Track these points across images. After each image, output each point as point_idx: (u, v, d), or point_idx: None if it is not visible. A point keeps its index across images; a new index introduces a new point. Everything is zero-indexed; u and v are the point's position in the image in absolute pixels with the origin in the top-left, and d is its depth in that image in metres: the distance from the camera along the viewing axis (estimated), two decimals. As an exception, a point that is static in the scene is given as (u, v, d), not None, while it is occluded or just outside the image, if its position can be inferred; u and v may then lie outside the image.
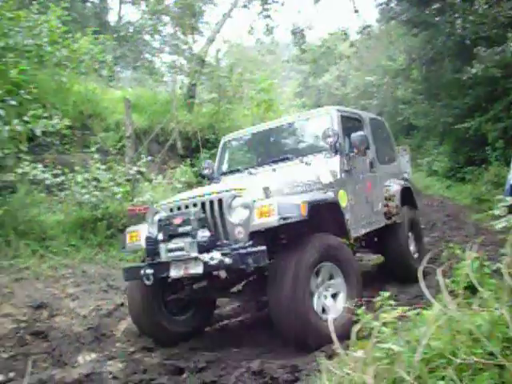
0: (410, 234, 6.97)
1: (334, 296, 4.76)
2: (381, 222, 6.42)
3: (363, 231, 5.89)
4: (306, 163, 5.56)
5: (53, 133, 8.19)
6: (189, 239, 4.42)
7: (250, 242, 4.28)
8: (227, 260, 4.14)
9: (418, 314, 2.61)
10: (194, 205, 4.68)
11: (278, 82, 19.36)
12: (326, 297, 4.68)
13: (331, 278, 4.75)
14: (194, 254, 4.32)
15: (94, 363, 4.92)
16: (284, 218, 4.19)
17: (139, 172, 8.76)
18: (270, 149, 6.54)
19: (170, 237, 4.58)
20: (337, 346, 2.42)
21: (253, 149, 6.97)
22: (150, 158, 9.70)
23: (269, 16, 16.29)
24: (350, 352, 2.43)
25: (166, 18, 16.52)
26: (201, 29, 17.31)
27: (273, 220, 4.18)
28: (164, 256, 4.56)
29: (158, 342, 5.26)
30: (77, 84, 10.48)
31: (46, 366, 4.96)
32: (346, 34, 20.01)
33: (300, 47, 19.44)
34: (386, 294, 2.72)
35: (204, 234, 4.40)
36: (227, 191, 4.54)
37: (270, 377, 3.70)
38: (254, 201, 4.33)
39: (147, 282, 4.68)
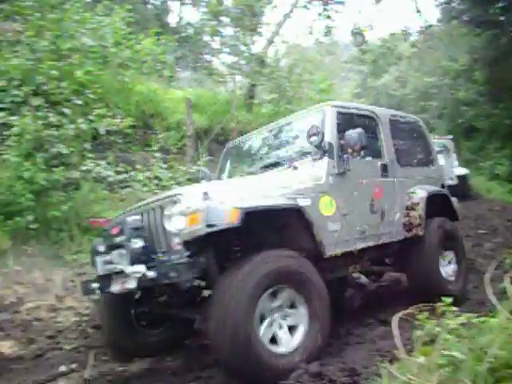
0: (442, 251, 5.93)
1: (292, 329, 4.03)
2: (397, 235, 5.47)
3: (361, 245, 4.97)
4: (294, 167, 4.82)
5: (116, 131, 8.40)
6: (121, 251, 3.97)
7: (187, 253, 3.76)
8: (150, 274, 3.67)
9: (483, 321, 2.51)
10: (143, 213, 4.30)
11: (336, 83, 19.21)
12: (280, 326, 3.97)
13: (293, 306, 4.05)
14: (120, 267, 3.87)
15: (154, 358, 4.99)
16: (210, 226, 3.64)
17: (199, 171, 8.83)
18: (266, 153, 5.81)
19: (111, 248, 4.10)
20: (401, 350, 2.35)
21: (250, 154, 6.14)
22: (209, 157, 9.78)
23: (329, 16, 16.15)
24: (413, 358, 2.36)
25: (225, 19, 16.63)
26: (260, 29, 17.35)
27: (199, 228, 3.65)
28: (100, 269, 4.18)
29: (131, 355, 4.98)
30: (139, 84, 10.65)
31: (106, 359, 5.06)
32: (407, 34, 19.64)
33: (360, 48, 19.21)
34: (448, 299, 2.61)
35: (136, 246, 3.90)
36: (169, 197, 4.05)
37: (328, 379, 3.64)
38: (189, 207, 3.79)
39: (95, 296, 4.43)
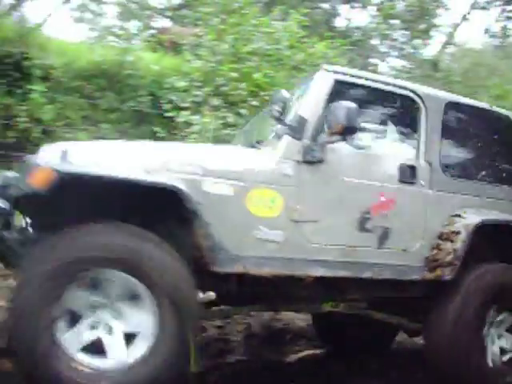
0: (493, 315, 3.89)
1: (129, 338, 2.87)
2: (409, 273, 3.74)
3: (325, 273, 3.43)
4: (257, 147, 3.72)
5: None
6: None
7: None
8: None
9: None
10: None
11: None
12: (110, 330, 2.88)
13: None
14: None
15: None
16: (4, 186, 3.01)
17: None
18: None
19: None
20: None
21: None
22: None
23: (510, 17, 15.15)
24: None
25: (395, 22, 16.28)
26: (431, 32, 16.75)
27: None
28: None
29: None
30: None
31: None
32: None
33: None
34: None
35: None
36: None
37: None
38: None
39: None
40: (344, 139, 3.39)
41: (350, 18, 19.44)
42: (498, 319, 3.53)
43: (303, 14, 10.57)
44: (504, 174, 4.35)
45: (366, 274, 3.57)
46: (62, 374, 2.59)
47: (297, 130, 3.43)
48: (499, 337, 3.67)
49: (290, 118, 3.50)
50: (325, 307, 3.88)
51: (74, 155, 2.90)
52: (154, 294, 2.83)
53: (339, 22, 20.81)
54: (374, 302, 4.08)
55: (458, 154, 4.28)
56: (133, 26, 13.19)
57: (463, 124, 4.35)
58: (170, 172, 3.04)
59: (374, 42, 19.34)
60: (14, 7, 12.87)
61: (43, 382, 2.62)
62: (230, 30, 8.82)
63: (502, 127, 4.48)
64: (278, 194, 3.32)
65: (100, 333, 2.83)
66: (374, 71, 17.28)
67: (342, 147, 3.53)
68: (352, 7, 19.94)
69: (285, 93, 3.55)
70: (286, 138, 3.44)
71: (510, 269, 3.96)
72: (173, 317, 2.83)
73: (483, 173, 4.26)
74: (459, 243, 3.72)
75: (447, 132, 4.08)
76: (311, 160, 3.41)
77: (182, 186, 2.95)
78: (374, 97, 3.94)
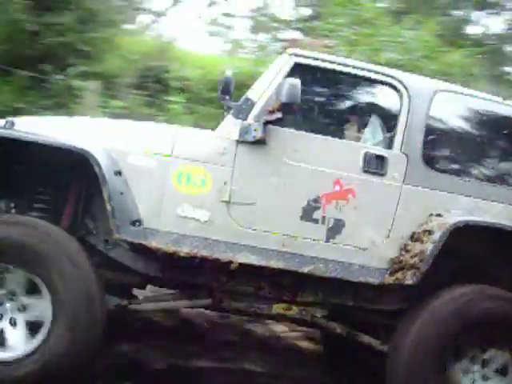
0: (452, 342, 3.17)
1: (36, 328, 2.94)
2: (364, 273, 3.31)
3: (253, 260, 3.21)
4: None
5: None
6: None
7: None
8: None
9: None
10: None
11: None
12: (12, 321, 2.98)
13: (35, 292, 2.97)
14: None
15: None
16: None
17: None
18: None
19: None
20: None
21: None
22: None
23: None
24: None
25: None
26: None
27: None
28: None
29: None
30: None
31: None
32: None
33: None
34: None
35: None
36: None
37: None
38: None
39: None
40: (282, 117, 3.17)
41: (485, 24, 18.68)
42: (485, 357, 2.98)
43: (436, 23, 10.33)
44: (496, 172, 3.71)
45: (307, 269, 3.22)
46: None
47: (242, 111, 3.32)
48: (485, 378, 3.07)
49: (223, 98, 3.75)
50: (276, 309, 3.49)
51: (21, 125, 3.09)
52: (47, 282, 2.87)
53: (472, 30, 20.08)
54: (337, 312, 3.71)
55: (449, 147, 3.70)
56: (263, 38, 13.49)
57: (458, 115, 3.73)
58: (97, 142, 3.12)
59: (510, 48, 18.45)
60: (151, 23, 13.77)
61: None
62: (362, 41, 8.80)
63: (504, 120, 3.76)
64: (209, 172, 3.22)
65: (3, 324, 2.92)
66: (509, 81, 16.46)
67: (288, 130, 3.34)
68: (488, 14, 19.13)
69: (229, 76, 3.78)
70: (228, 118, 3.36)
71: (495, 296, 3.23)
72: (63, 304, 2.85)
73: (480, 170, 3.66)
74: (429, 244, 3.13)
75: (437, 123, 3.61)
76: (250, 140, 3.23)
77: (95, 153, 2.96)
78: (347, 83, 3.69)
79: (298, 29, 13.37)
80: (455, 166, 3.60)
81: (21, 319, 2.93)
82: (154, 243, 3.11)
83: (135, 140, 3.28)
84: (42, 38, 8.04)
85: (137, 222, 3.11)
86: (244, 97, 3.38)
